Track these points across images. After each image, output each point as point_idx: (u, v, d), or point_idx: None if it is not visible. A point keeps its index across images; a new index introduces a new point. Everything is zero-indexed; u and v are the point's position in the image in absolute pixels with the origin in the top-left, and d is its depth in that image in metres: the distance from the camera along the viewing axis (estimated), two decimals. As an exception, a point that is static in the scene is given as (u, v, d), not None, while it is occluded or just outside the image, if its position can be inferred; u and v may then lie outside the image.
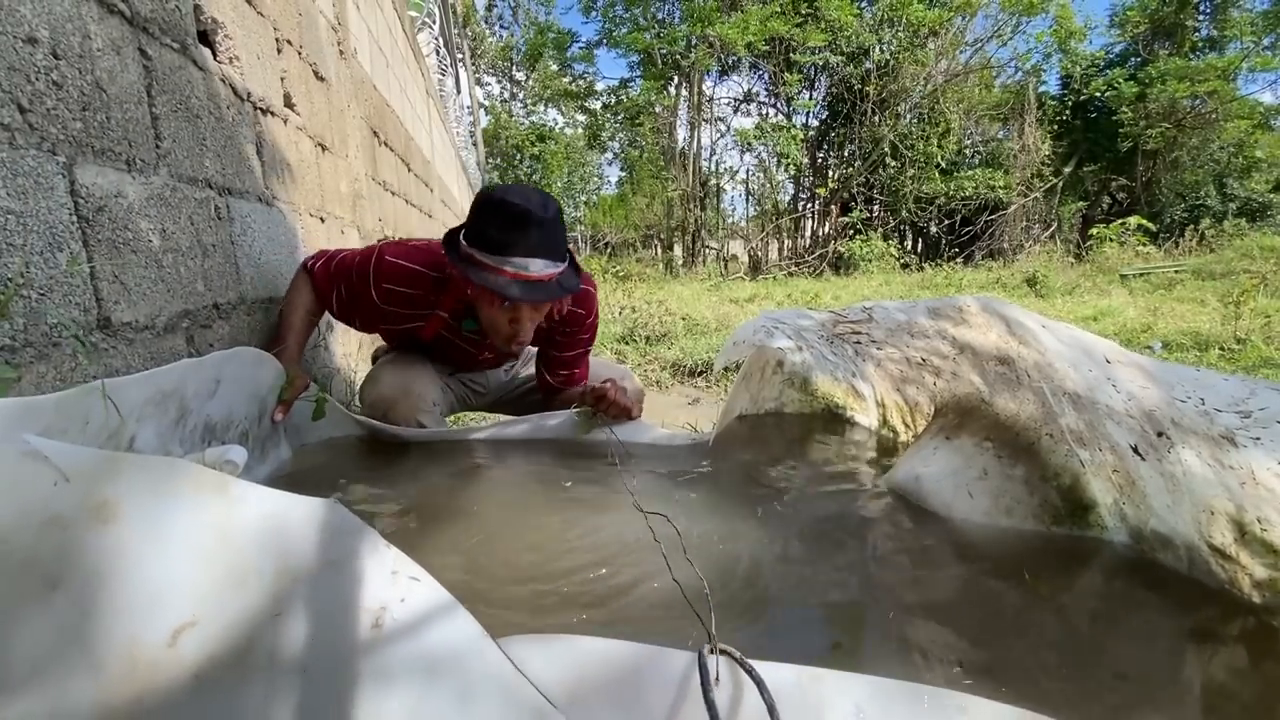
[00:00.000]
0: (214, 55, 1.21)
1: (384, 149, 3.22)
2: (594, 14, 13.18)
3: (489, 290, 1.08)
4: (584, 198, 18.26)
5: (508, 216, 1.05)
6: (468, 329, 1.28)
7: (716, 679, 0.45)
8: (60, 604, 0.37)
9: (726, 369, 3.14)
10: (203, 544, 0.41)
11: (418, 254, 1.24)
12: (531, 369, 1.50)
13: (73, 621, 0.37)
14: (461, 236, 1.12)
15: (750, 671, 0.45)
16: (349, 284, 1.26)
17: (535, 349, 1.44)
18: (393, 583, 0.42)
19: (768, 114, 12.70)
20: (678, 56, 11.61)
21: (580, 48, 14.93)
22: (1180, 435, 0.77)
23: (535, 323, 1.18)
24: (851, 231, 11.60)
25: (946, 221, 12.22)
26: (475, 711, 0.40)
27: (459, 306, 1.25)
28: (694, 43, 11.34)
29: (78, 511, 0.39)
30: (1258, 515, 0.71)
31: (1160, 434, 0.80)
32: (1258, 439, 0.72)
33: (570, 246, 1.18)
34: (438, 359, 1.42)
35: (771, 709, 0.42)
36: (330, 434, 1.25)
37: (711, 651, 0.46)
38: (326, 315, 1.37)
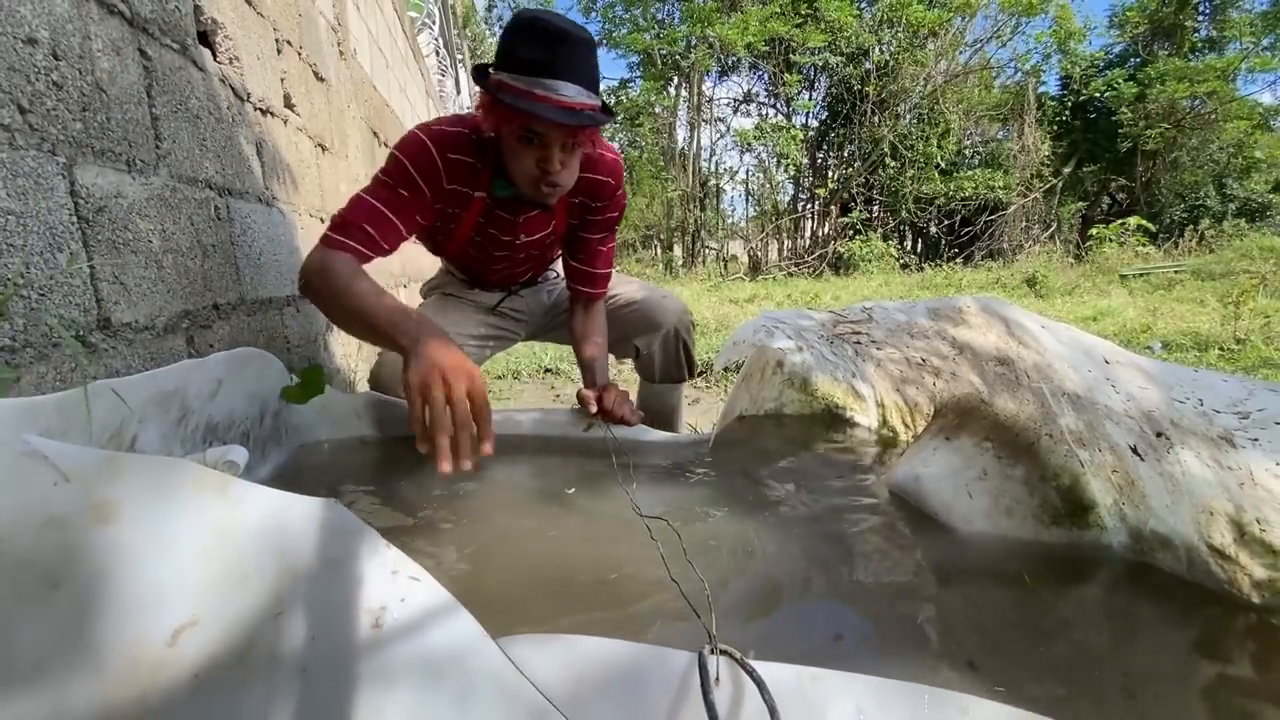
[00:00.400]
0: (214, 56, 1.21)
1: (384, 149, 3.23)
2: (593, 14, 13.19)
3: (519, 113, 0.97)
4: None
5: (540, 34, 0.96)
6: (499, 193, 1.17)
7: (717, 680, 0.45)
8: (61, 604, 0.37)
9: (726, 369, 3.14)
10: (203, 544, 0.41)
11: (447, 122, 1.13)
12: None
13: (73, 621, 0.37)
14: (490, 68, 1.02)
15: (751, 672, 0.45)
16: (402, 184, 1.08)
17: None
18: (393, 582, 0.43)
19: (767, 114, 12.71)
20: (677, 57, 11.61)
21: (580, 48, 14.92)
22: (1179, 436, 0.77)
23: (566, 167, 1.07)
24: (851, 232, 11.60)
25: (946, 222, 12.22)
26: (475, 711, 0.40)
27: (493, 173, 1.15)
28: (694, 43, 11.34)
29: (78, 511, 0.39)
30: (1257, 516, 0.71)
31: (1159, 434, 0.80)
32: (1256, 440, 0.72)
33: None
34: (476, 271, 1.38)
35: (773, 711, 0.42)
36: (331, 434, 1.25)
37: (712, 651, 0.46)
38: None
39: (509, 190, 1.16)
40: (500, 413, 1.32)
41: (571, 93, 0.97)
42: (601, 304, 1.44)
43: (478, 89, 1.06)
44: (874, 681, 0.46)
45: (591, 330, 1.40)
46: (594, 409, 1.25)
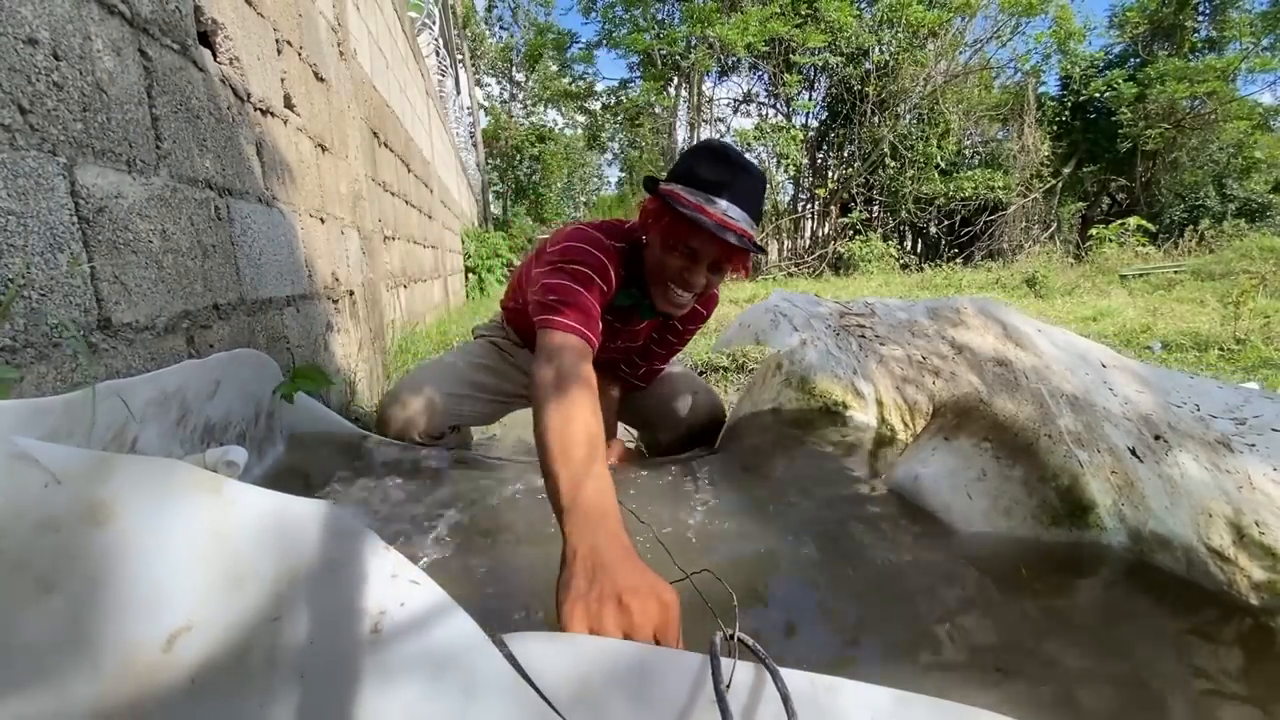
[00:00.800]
0: (214, 56, 1.21)
1: (384, 150, 3.23)
2: (594, 15, 13.20)
3: (686, 221, 1.00)
4: (583, 198, 18.25)
5: (723, 159, 1.02)
6: (619, 301, 1.17)
7: (729, 683, 0.44)
8: (55, 607, 0.37)
9: (726, 368, 3.13)
10: (199, 546, 0.40)
11: (597, 229, 1.14)
12: None
13: (68, 625, 0.37)
14: (664, 180, 1.07)
15: (765, 661, 0.44)
16: (592, 267, 1.06)
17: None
18: (392, 585, 0.42)
19: (767, 115, 12.71)
20: (677, 57, 11.61)
21: (580, 48, 14.96)
22: (1177, 439, 0.77)
23: (706, 283, 1.10)
24: (851, 232, 11.61)
25: (946, 222, 12.23)
26: (476, 714, 0.40)
27: (623, 282, 1.15)
28: (694, 43, 11.34)
29: (71, 513, 0.39)
30: (1255, 519, 0.71)
31: (1157, 437, 0.80)
32: (1253, 445, 0.72)
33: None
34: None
35: (786, 699, 0.41)
36: (328, 436, 1.25)
37: (729, 638, 0.45)
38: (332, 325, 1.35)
39: (629, 299, 1.18)
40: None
41: (737, 215, 1.01)
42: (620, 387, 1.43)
43: (645, 195, 1.09)
44: (891, 693, 0.45)
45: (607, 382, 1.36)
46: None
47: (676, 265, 1.07)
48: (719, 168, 1.01)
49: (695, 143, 1.06)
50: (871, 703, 0.44)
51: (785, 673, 0.44)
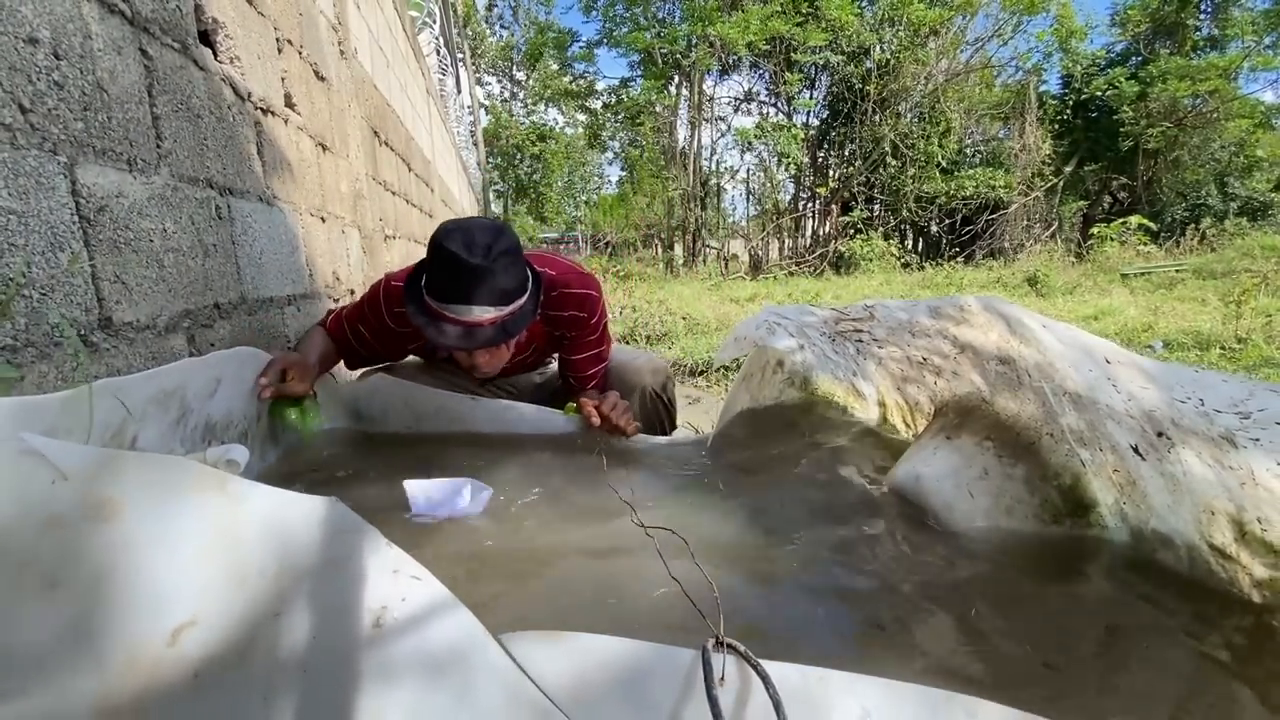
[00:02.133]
0: (215, 55, 1.21)
1: (384, 149, 3.23)
2: (594, 13, 13.19)
3: (428, 338, 1.11)
4: (584, 197, 18.26)
5: (446, 264, 1.08)
6: None
7: (722, 678, 0.44)
8: (61, 603, 0.37)
9: (726, 368, 3.14)
10: (203, 543, 0.41)
11: (390, 294, 1.25)
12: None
13: (73, 621, 0.37)
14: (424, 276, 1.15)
15: (756, 666, 0.44)
16: (363, 321, 1.29)
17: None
18: (394, 581, 0.43)
19: (768, 113, 12.70)
20: (678, 56, 11.60)
21: (580, 47, 14.95)
22: (1180, 436, 0.77)
23: (496, 356, 1.21)
24: (852, 231, 11.59)
25: (947, 221, 12.21)
26: (476, 709, 0.40)
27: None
28: (694, 42, 11.33)
29: (77, 510, 0.39)
30: (1258, 515, 0.71)
31: (1160, 434, 0.80)
32: (1257, 440, 0.72)
33: (531, 274, 1.18)
34: (463, 371, 1.43)
35: (777, 705, 0.42)
36: (330, 432, 1.25)
37: (717, 646, 0.46)
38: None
39: None
40: (502, 405, 1.32)
41: (477, 313, 1.08)
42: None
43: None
44: (881, 683, 0.46)
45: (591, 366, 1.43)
46: (596, 421, 1.24)
47: (463, 357, 1.20)
48: (447, 274, 1.08)
49: (435, 233, 1.11)
50: (861, 692, 0.45)
51: (776, 666, 0.45)
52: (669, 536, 0.79)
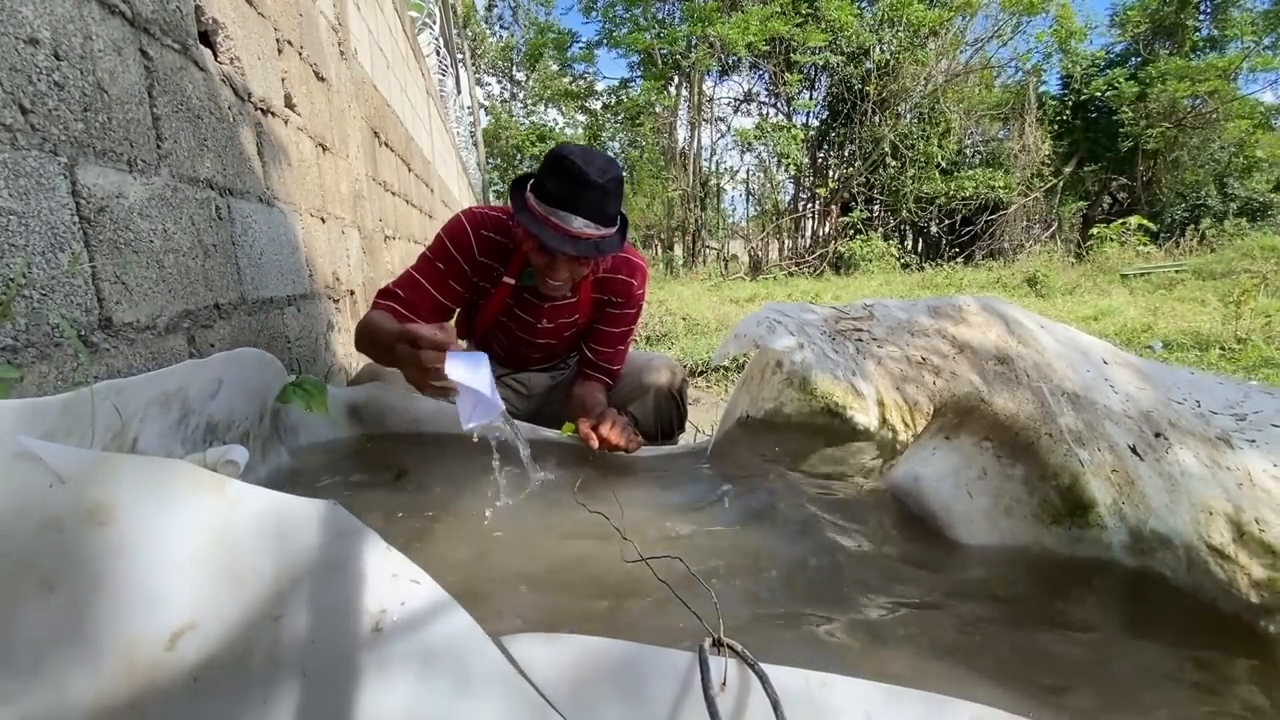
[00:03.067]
0: (215, 56, 1.21)
1: (384, 149, 3.23)
2: (594, 14, 13.18)
3: (530, 235, 1.16)
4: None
5: (564, 174, 1.13)
6: (526, 281, 1.34)
7: (724, 681, 0.44)
8: (58, 606, 0.37)
9: (725, 368, 3.14)
10: (201, 545, 0.41)
11: (491, 208, 1.35)
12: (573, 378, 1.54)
13: (70, 624, 0.37)
14: (529, 184, 1.21)
15: (754, 666, 0.44)
16: (439, 257, 1.30)
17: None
18: (393, 585, 0.42)
19: (768, 114, 12.70)
20: (678, 57, 11.60)
21: (580, 48, 14.93)
22: (1178, 436, 0.77)
23: (572, 276, 1.25)
24: (852, 231, 11.59)
25: (947, 221, 12.21)
26: (475, 712, 0.40)
27: (524, 261, 1.31)
28: (694, 43, 11.33)
29: (74, 513, 0.39)
30: (1255, 516, 0.71)
31: (1158, 434, 0.80)
32: (1254, 441, 0.72)
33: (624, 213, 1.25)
34: (495, 352, 1.50)
35: (775, 705, 0.42)
36: (330, 434, 1.26)
37: (715, 645, 0.46)
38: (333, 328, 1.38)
39: (533, 280, 1.31)
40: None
41: (578, 225, 1.14)
42: (600, 385, 1.50)
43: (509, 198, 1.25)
44: (884, 688, 0.45)
45: (588, 384, 1.48)
46: (594, 443, 1.21)
47: (538, 262, 1.22)
48: (560, 180, 1.14)
49: (554, 149, 1.20)
50: (864, 697, 0.45)
51: (780, 671, 0.45)
52: (668, 536, 0.79)
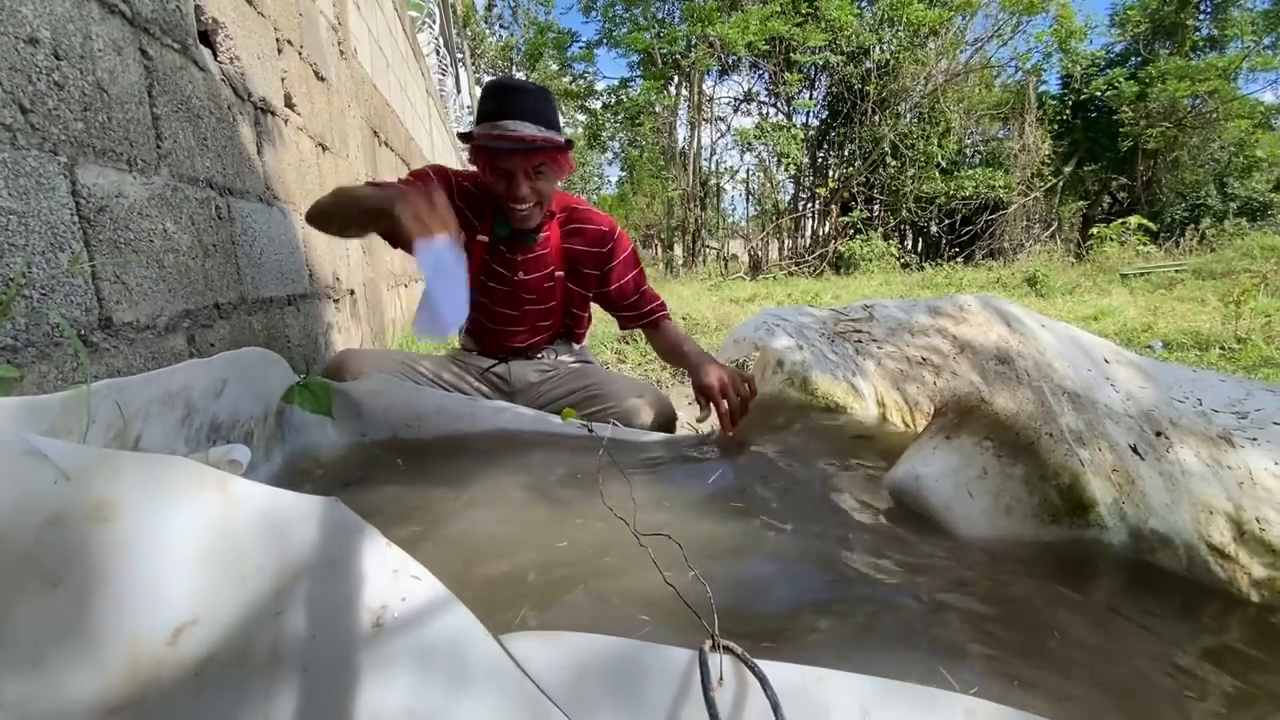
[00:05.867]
0: (214, 55, 1.21)
1: (384, 149, 3.23)
2: (594, 14, 13.18)
3: (482, 149, 1.25)
4: (584, 197, 18.26)
5: (495, 90, 1.26)
6: (499, 230, 1.38)
7: (720, 678, 0.44)
8: (60, 602, 0.37)
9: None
10: (203, 542, 0.41)
11: (440, 170, 1.41)
12: (560, 390, 1.49)
13: (73, 620, 0.37)
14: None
15: (753, 668, 0.45)
16: (419, 180, 1.34)
17: (571, 391, 1.49)
18: (394, 581, 0.43)
19: (768, 114, 12.70)
20: (678, 56, 11.60)
21: (580, 47, 14.92)
22: (1179, 435, 0.78)
23: (536, 191, 1.29)
24: (852, 231, 11.60)
25: (947, 221, 12.22)
26: (475, 708, 0.40)
27: (493, 216, 1.38)
28: (694, 42, 11.34)
29: (78, 510, 0.39)
30: (1256, 515, 0.71)
31: (1159, 433, 0.80)
32: (1255, 440, 0.72)
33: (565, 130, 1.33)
34: (480, 323, 1.52)
35: (775, 707, 0.42)
36: (333, 434, 1.26)
37: (713, 648, 0.46)
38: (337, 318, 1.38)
39: (507, 228, 1.37)
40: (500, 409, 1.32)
41: (523, 128, 1.22)
42: (668, 322, 1.55)
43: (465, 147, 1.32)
44: (879, 682, 0.46)
45: (675, 340, 1.51)
46: (729, 430, 1.28)
47: (501, 186, 1.28)
48: (494, 100, 1.24)
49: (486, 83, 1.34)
50: (858, 690, 0.45)
51: (774, 666, 0.45)
52: (667, 533, 0.79)
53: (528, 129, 1.22)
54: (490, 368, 1.53)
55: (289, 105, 1.62)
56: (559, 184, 1.37)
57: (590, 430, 1.29)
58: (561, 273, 1.46)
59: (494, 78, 1.29)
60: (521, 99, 1.23)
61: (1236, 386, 0.80)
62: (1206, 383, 0.81)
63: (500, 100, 1.23)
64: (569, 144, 1.30)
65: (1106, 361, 0.89)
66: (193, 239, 1.06)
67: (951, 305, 1.16)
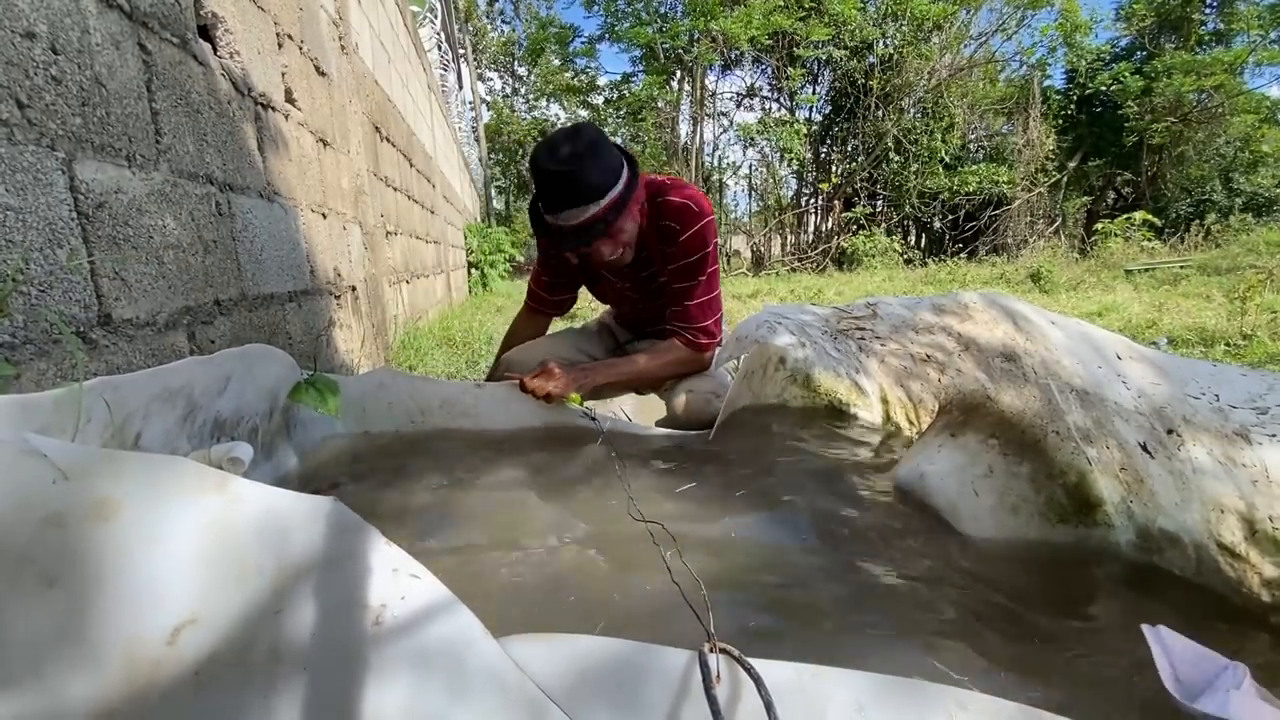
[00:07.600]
0: (214, 50, 1.20)
1: (386, 144, 3.22)
2: (596, 9, 13.13)
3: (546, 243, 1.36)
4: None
5: (535, 174, 1.20)
6: (611, 274, 1.48)
7: (718, 677, 0.44)
8: (59, 602, 0.37)
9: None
10: (203, 541, 0.40)
11: None
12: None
13: (71, 620, 0.37)
14: None
15: (749, 669, 0.44)
16: (540, 254, 1.53)
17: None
18: (393, 580, 0.42)
19: (771, 109, 12.66)
20: (680, 51, 11.57)
21: (582, 43, 14.88)
22: (1191, 433, 0.77)
23: (613, 245, 1.29)
24: (855, 227, 11.57)
25: (950, 217, 12.18)
26: (474, 708, 0.40)
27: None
28: (696, 37, 11.30)
29: (76, 509, 0.39)
30: (1270, 514, 0.70)
31: (1170, 431, 0.79)
32: (1274, 435, 0.71)
33: (624, 159, 1.26)
34: (612, 305, 1.69)
35: (769, 707, 0.42)
36: (338, 431, 1.25)
37: (711, 650, 0.46)
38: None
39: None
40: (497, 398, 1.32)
41: (567, 216, 1.20)
42: (671, 341, 1.47)
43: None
44: (874, 678, 0.46)
45: (645, 352, 1.48)
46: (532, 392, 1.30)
47: (581, 261, 1.38)
48: (538, 186, 1.21)
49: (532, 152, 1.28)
50: (855, 686, 0.45)
51: (769, 664, 0.45)
52: (666, 532, 0.78)
53: (574, 216, 1.19)
54: (627, 342, 1.70)
55: (290, 100, 1.61)
56: (632, 222, 1.30)
57: (593, 418, 1.29)
58: (654, 247, 1.47)
59: (537, 147, 1.21)
60: (559, 185, 1.17)
61: (1258, 381, 0.79)
62: (1226, 378, 0.80)
63: (541, 189, 1.21)
64: (628, 184, 1.22)
65: (1119, 358, 0.88)
66: (193, 235, 1.05)
67: (956, 303, 1.16)
